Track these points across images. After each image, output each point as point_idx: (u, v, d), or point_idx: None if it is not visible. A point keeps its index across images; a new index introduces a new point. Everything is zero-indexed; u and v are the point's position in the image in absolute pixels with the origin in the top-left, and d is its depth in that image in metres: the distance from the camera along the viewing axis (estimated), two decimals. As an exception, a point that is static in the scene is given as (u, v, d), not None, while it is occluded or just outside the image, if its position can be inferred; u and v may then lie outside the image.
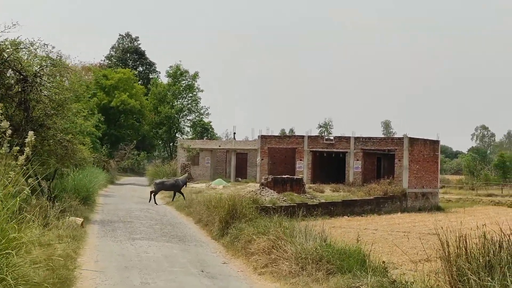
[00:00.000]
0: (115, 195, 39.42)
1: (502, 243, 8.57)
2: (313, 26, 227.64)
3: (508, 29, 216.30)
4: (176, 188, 34.18)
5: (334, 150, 47.86)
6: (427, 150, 46.08)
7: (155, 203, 32.61)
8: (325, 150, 48.30)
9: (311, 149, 48.49)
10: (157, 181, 35.86)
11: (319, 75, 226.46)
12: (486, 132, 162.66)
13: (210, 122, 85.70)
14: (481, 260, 8.44)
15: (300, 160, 48.69)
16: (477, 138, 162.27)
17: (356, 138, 46.69)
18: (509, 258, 8.31)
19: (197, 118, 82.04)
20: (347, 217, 35.41)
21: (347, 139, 47.26)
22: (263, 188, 37.06)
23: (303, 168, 48.33)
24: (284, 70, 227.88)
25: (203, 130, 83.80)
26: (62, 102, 20.93)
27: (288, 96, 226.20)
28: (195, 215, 24.41)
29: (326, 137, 50.37)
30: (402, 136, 45.95)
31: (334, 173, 48.97)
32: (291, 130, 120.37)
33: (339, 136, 49.27)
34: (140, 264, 13.58)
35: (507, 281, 7.80)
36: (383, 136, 47.81)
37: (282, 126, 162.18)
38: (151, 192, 34.12)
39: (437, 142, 47.80)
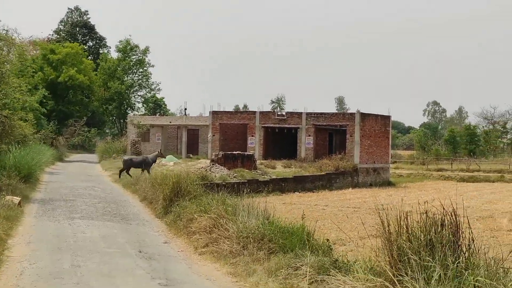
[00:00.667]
0: (62, 172, 38.41)
1: (444, 221, 8.18)
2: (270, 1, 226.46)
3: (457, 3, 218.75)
4: (145, 165, 33.10)
5: (286, 125, 47.49)
6: (379, 126, 46.06)
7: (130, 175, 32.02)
8: (277, 126, 47.91)
9: (263, 125, 48.06)
10: (125, 157, 35.14)
11: (273, 51, 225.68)
12: (437, 108, 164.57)
13: (163, 98, 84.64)
14: (422, 239, 8.05)
15: (252, 136, 48.22)
16: (429, 114, 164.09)
17: (308, 114, 46.36)
18: (450, 236, 7.94)
19: (148, 94, 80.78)
20: (298, 193, 35.17)
21: (299, 114, 46.91)
22: (213, 164, 36.58)
23: (254, 144, 47.88)
24: (238, 45, 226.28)
25: (156, 106, 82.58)
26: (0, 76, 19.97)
27: (242, 73, 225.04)
28: (140, 193, 23.74)
29: (278, 113, 49.93)
30: (354, 112, 45.78)
31: (286, 149, 48.65)
32: (245, 106, 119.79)
33: (291, 112, 48.90)
34: (74, 245, 12.94)
35: (448, 261, 7.45)
36: (335, 111, 47.28)
37: (235, 102, 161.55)
38: (120, 171, 33.34)
39: (388, 117, 47.80)
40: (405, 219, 8.56)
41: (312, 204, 28.48)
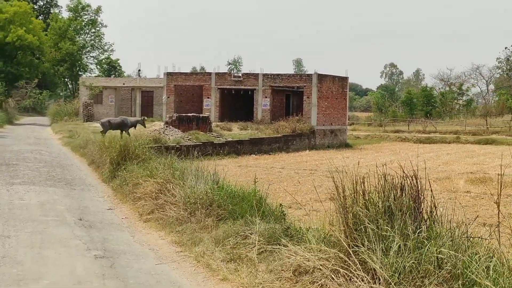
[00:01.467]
0: (9, 135, 37.01)
1: (404, 186, 7.47)
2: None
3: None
4: (123, 127, 32.32)
5: (242, 87, 46.59)
6: (336, 87, 45.50)
7: None
8: (233, 87, 46.98)
9: (218, 87, 47.08)
10: (103, 120, 33.80)
11: (229, 12, 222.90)
12: (394, 70, 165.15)
13: (118, 60, 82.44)
14: (380, 206, 7.34)
15: (208, 98, 47.26)
16: (386, 76, 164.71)
17: (265, 75, 45.49)
18: (411, 203, 7.24)
19: (101, 55, 78.80)
20: (254, 155, 34.78)
21: (255, 75, 46.04)
22: (167, 127, 35.71)
23: (210, 106, 46.96)
24: (194, 6, 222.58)
25: (111, 68, 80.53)
26: None
27: (198, 33, 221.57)
28: (89, 156, 22.77)
29: (235, 74, 48.95)
30: (311, 73, 45.11)
31: (243, 111, 47.89)
32: (203, 68, 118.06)
33: (247, 73, 48.03)
34: (9, 213, 11.95)
35: (408, 230, 6.77)
36: (292, 73, 46.51)
37: (192, 64, 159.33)
38: (101, 132, 31.83)
39: (345, 78, 47.25)
40: (362, 184, 7.84)
41: (268, 167, 28.01)
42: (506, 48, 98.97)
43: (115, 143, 17.51)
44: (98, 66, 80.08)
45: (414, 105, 78.09)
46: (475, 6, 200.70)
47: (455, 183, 21.57)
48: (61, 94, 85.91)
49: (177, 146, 30.20)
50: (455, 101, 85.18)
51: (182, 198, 11.43)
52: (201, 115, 39.66)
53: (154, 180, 12.91)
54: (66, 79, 76.41)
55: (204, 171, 12.98)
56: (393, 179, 7.60)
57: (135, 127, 32.80)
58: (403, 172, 7.58)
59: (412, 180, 7.35)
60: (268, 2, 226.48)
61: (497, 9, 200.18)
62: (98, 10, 76.06)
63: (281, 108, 47.94)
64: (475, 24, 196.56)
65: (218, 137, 36.00)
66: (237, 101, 48.83)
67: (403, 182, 7.34)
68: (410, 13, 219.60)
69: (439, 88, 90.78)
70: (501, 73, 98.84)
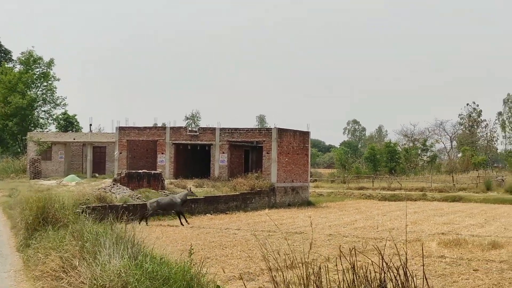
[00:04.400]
0: None
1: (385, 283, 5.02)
2: (178, 27, 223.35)
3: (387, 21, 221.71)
4: (173, 207, 27.82)
5: (199, 142, 44.24)
6: (297, 142, 43.43)
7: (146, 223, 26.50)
8: (189, 142, 44.60)
9: (173, 142, 44.66)
10: (151, 200, 28.13)
11: (190, 67, 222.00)
12: (357, 126, 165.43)
13: (76, 115, 79.41)
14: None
15: (162, 153, 44.76)
16: (349, 132, 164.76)
17: (222, 129, 43.24)
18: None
19: (53, 109, 75.84)
20: (210, 215, 32.59)
21: (212, 130, 43.75)
22: (114, 184, 33.14)
23: (165, 162, 44.42)
24: (151, 62, 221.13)
25: (68, 124, 77.46)
26: None
27: (155, 89, 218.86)
28: (14, 219, 19.99)
29: (190, 128, 46.60)
30: (271, 127, 43.04)
31: (199, 167, 45.45)
32: (163, 124, 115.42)
33: (204, 127, 45.77)
34: None
35: None
36: (251, 127, 44.45)
37: (148, 118, 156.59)
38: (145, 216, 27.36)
39: (307, 133, 45.25)
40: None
41: (223, 228, 25.64)
42: (468, 104, 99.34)
43: (31, 204, 14.74)
44: (55, 122, 77.15)
45: (378, 161, 76.60)
46: (439, 61, 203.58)
47: (427, 246, 19.42)
48: (11, 150, 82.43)
49: (124, 205, 27.86)
50: (419, 157, 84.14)
51: (88, 279, 8.78)
52: (153, 171, 37.14)
53: (59, 254, 10.22)
54: (16, 135, 73.10)
55: (128, 240, 10.35)
56: (366, 270, 5.14)
57: (185, 202, 28.44)
58: (383, 259, 5.13)
59: (398, 274, 4.86)
60: (227, 56, 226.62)
61: (460, 65, 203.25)
62: (50, 63, 73.36)
63: (240, 164, 45.59)
64: (439, 80, 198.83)
65: (170, 195, 33.50)
66: (193, 157, 46.45)
67: (383, 278, 4.85)
68: (372, 69, 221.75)
69: (403, 144, 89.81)
70: (463, 129, 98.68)
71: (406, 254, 5.56)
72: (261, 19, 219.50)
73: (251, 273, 14.47)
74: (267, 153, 41.26)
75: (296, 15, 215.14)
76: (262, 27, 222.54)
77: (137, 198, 30.90)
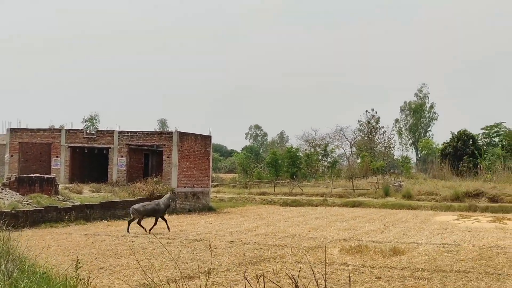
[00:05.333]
0: None
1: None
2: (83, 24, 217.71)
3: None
4: (156, 213, 26.93)
5: (96, 145, 42.57)
6: (199, 146, 42.58)
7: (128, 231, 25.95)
8: (86, 145, 42.84)
9: (69, 145, 42.78)
10: (135, 206, 27.14)
11: (88, 69, 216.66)
12: (259, 132, 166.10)
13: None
14: None
15: (57, 157, 42.77)
16: (251, 137, 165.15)
17: (121, 132, 41.78)
18: None
19: None
20: (106, 221, 31.43)
21: (111, 133, 42.21)
22: (2, 189, 31.17)
23: (60, 166, 42.45)
24: (48, 61, 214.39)
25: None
26: None
27: (50, 90, 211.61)
28: None
29: (87, 131, 44.79)
30: (172, 131, 42.01)
31: (97, 171, 43.77)
32: (63, 126, 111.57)
33: (101, 130, 44.11)
34: None
35: None
36: (151, 130, 43.17)
37: (43, 121, 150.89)
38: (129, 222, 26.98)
39: (209, 137, 44.48)
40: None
41: (119, 235, 24.64)
42: (366, 111, 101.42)
43: None
44: None
45: (280, 166, 76.70)
46: (337, 66, 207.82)
47: (329, 253, 19.17)
48: None
49: (13, 212, 26.35)
50: (320, 162, 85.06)
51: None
52: (46, 175, 35.26)
53: None
54: None
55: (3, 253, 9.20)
56: None
57: (168, 207, 27.88)
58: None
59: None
60: (128, 57, 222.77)
61: (358, 70, 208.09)
62: None
63: (139, 169, 44.23)
64: (338, 85, 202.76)
65: (64, 201, 32.06)
66: (91, 161, 44.70)
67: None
68: (272, 75, 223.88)
69: (304, 149, 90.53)
70: (363, 135, 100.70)
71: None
72: (154, 18, 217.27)
73: (147, 284, 13.55)
74: (168, 157, 40.21)
75: (196, 15, 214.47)
76: (169, 23, 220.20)
77: (27, 204, 29.23)
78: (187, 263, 17.05)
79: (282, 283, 13.76)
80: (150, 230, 26.00)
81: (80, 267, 9.36)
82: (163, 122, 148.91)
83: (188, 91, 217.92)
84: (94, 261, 16.98)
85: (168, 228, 26.34)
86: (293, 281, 4.02)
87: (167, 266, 16.45)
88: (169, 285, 13.72)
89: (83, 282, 8.49)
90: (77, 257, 11.05)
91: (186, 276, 14.87)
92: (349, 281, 13.73)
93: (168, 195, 27.62)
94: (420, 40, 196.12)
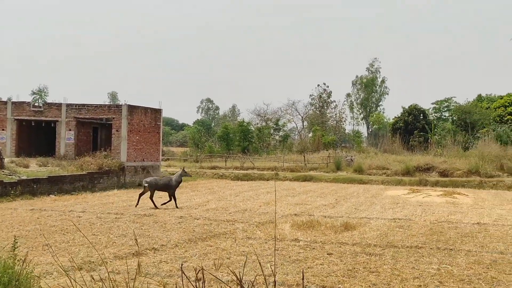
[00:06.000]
0: None
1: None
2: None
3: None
4: (171, 189, 26.20)
5: (44, 118, 41.43)
6: (149, 120, 41.86)
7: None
8: (33, 118, 41.67)
9: (16, 117, 41.56)
10: (149, 179, 26.51)
11: (39, 38, 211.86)
12: (211, 105, 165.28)
13: None
14: None
15: (3, 130, 41.51)
16: (203, 111, 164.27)
17: (69, 105, 40.73)
18: None
19: None
20: (54, 196, 30.81)
21: (58, 106, 41.11)
22: None
23: (6, 139, 41.24)
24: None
25: None
26: None
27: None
28: None
29: (35, 104, 43.53)
30: (121, 104, 41.16)
31: (44, 145, 42.73)
32: (10, 98, 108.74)
33: (49, 103, 42.90)
34: None
35: None
36: (100, 103, 42.07)
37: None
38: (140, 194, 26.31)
39: (159, 110, 43.75)
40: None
41: (66, 210, 24.06)
42: (318, 85, 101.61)
43: None
44: None
45: (231, 140, 76.40)
46: (290, 40, 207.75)
47: (280, 229, 18.93)
48: None
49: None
50: (272, 136, 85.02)
51: None
52: (-11, 149, 34.23)
53: None
54: None
55: None
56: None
57: (180, 183, 27.13)
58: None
59: None
60: (79, 26, 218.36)
61: (310, 44, 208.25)
62: None
63: (88, 142, 43.26)
64: (292, 59, 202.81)
65: (10, 175, 31.17)
66: (38, 135, 43.55)
67: None
68: (224, 50, 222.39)
69: (256, 124, 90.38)
70: (314, 109, 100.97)
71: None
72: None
73: (93, 262, 13.15)
74: (117, 131, 39.45)
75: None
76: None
77: (-30, 179, 28.34)
78: (136, 239, 16.63)
79: (231, 260, 13.49)
80: (163, 204, 25.77)
81: (17, 246, 8.87)
82: (113, 95, 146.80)
83: (139, 64, 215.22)
84: (38, 237, 16.45)
85: (176, 205, 25.78)
86: (237, 278, 3.70)
87: (115, 242, 16.05)
88: (117, 262, 13.34)
89: (20, 262, 8.01)
90: (14, 236, 10.54)
91: (134, 253, 14.49)
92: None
93: (180, 172, 27.14)
94: (372, 13, 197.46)
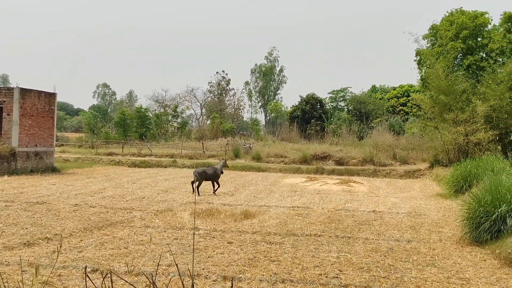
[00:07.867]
0: None
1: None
2: None
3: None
4: (216, 178, 27.81)
5: None
6: (42, 104, 40.21)
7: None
8: None
9: None
10: (199, 170, 27.63)
11: None
12: (107, 90, 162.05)
13: None
14: None
15: None
16: (99, 96, 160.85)
17: (-45, 88, 38.55)
18: None
19: None
20: None
21: None
22: None
23: None
24: None
25: None
26: None
27: None
28: None
29: None
30: (13, 87, 39.31)
31: None
32: None
33: None
34: None
35: None
36: (-10, 87, 39.87)
37: None
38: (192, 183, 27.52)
39: (53, 94, 42.08)
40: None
41: (-50, 198, 22.54)
42: (217, 72, 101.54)
43: None
44: None
45: (128, 126, 75.03)
46: (190, 26, 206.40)
47: (179, 217, 18.60)
48: None
49: None
50: (170, 123, 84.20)
51: None
52: None
53: None
54: None
55: None
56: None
57: (222, 173, 28.95)
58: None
59: None
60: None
61: (210, 32, 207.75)
62: None
63: (-23, 127, 41.15)
64: (190, 46, 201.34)
65: None
66: None
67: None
68: (121, 35, 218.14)
69: (154, 110, 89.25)
70: (213, 97, 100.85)
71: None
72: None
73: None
74: (8, 114, 37.64)
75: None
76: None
77: None
78: (27, 228, 15.86)
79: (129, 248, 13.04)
80: (215, 191, 27.24)
81: None
82: (4, 78, 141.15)
83: (33, 46, 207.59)
84: None
85: (214, 192, 27.19)
86: (151, 281, 3.39)
87: (4, 231, 15.20)
88: (8, 252, 12.65)
89: None
90: None
91: (25, 243, 13.78)
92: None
93: (222, 162, 29.33)
94: (272, 3, 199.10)
